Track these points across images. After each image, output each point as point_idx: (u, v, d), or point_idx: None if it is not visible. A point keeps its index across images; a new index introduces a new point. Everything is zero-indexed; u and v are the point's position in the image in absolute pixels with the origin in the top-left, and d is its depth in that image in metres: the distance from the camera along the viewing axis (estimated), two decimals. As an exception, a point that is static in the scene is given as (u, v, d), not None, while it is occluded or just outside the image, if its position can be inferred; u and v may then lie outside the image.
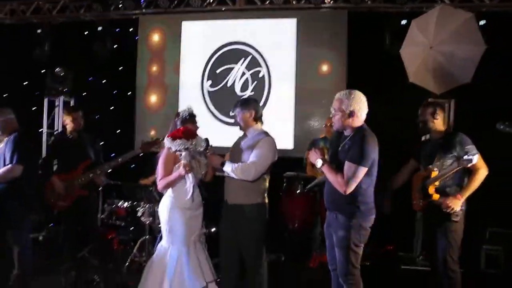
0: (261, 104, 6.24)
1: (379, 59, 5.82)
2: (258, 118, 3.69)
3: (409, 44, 5.17)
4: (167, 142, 3.53)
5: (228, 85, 6.43)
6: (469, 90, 5.02)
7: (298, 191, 4.98)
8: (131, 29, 6.96)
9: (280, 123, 6.17)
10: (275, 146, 3.63)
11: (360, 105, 3.22)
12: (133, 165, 6.41)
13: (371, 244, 5.48)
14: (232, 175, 3.52)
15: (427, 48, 4.91)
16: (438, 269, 3.67)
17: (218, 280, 3.72)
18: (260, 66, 6.30)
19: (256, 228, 3.61)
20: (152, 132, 6.51)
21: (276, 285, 4.43)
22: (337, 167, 3.20)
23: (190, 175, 3.51)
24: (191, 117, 3.74)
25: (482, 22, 5.41)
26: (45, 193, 4.52)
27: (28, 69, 7.13)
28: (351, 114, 3.19)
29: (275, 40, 6.25)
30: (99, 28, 6.75)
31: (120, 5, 6.72)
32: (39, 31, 6.90)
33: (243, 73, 6.36)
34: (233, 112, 3.73)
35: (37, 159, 4.52)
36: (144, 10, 6.75)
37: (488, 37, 4.87)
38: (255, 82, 6.32)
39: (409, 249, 5.73)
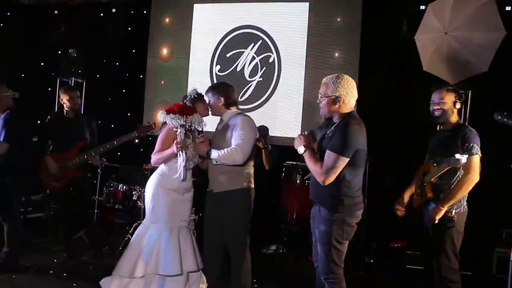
0: (269, 90, 6.08)
1: (394, 46, 5.48)
2: (230, 104, 3.54)
3: (424, 30, 4.81)
4: (161, 115, 3.43)
5: (238, 70, 6.24)
6: (486, 80, 4.65)
7: (297, 181, 4.77)
8: (144, 12, 6.88)
9: (288, 111, 5.98)
10: (254, 124, 3.51)
11: (348, 90, 2.97)
12: (141, 149, 6.39)
13: (377, 241, 5.28)
14: (221, 161, 3.37)
15: (442, 34, 4.54)
16: (434, 274, 3.38)
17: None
18: (270, 51, 6.07)
19: (240, 212, 3.47)
20: (160, 116, 6.42)
21: (272, 277, 4.31)
22: (321, 156, 2.98)
23: (182, 153, 3.35)
24: (199, 96, 3.65)
25: (508, 8, 5.00)
26: (39, 173, 4.49)
27: (45, 50, 7.18)
28: (337, 99, 2.97)
29: (286, 24, 5.99)
30: (113, 10, 6.73)
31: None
32: (55, 12, 6.94)
33: (253, 58, 6.16)
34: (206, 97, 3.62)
35: (30, 138, 4.48)
36: (157, -8, 6.66)
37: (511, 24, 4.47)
38: (265, 67, 6.10)
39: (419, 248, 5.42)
